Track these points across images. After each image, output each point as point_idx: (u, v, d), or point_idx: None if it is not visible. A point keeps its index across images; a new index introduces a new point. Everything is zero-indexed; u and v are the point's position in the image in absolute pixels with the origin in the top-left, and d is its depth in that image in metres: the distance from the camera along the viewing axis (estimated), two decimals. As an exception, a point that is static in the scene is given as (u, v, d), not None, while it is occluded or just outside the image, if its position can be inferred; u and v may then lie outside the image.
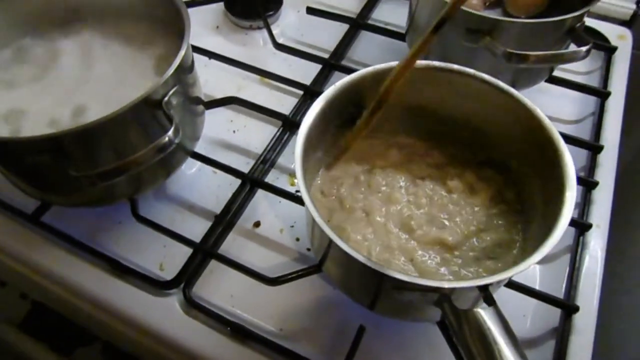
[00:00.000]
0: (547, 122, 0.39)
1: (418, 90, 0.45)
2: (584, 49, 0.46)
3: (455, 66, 0.42)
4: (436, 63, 0.43)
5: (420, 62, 0.43)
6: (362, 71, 0.42)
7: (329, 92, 0.41)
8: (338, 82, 0.41)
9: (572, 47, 0.50)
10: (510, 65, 0.48)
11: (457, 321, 0.31)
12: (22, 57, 0.49)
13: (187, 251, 0.48)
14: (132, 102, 0.37)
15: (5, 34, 0.49)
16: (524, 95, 0.57)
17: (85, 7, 0.50)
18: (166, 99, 0.40)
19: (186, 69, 0.44)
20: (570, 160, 0.36)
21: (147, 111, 0.40)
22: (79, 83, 0.47)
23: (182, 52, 0.41)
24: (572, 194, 0.34)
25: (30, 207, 0.50)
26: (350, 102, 0.43)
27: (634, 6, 0.68)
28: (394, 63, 0.42)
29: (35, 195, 0.47)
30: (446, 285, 0.32)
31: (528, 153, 0.41)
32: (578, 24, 0.49)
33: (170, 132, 0.38)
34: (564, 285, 0.47)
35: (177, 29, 0.45)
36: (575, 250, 0.48)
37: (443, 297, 0.33)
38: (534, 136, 0.39)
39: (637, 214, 0.73)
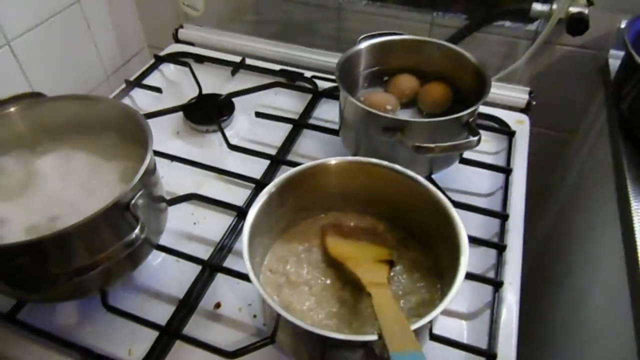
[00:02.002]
0: (443, 199, 0.48)
1: (347, 179, 0.54)
2: (475, 139, 0.57)
3: (374, 160, 0.52)
4: (360, 158, 0.53)
5: (347, 158, 0.53)
6: (298, 168, 0.52)
7: (270, 187, 0.50)
8: (277, 179, 0.50)
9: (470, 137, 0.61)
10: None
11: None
12: (2, 173, 0.56)
13: (154, 335, 0.53)
14: (103, 207, 0.45)
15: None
16: (442, 176, 0.68)
17: (57, 128, 0.58)
18: (133, 201, 0.48)
19: (149, 174, 0.53)
20: (463, 230, 0.45)
21: (117, 214, 0.47)
22: (53, 194, 0.54)
23: (145, 162, 0.49)
24: (465, 258, 0.43)
25: (4, 306, 0.55)
26: (291, 193, 0.52)
27: (527, 97, 0.82)
28: (322, 160, 0.52)
29: (13, 295, 0.52)
30: (369, 338, 0.38)
31: (438, 226, 0.50)
32: (471, 119, 0.60)
33: (137, 230, 0.45)
34: (487, 338, 0.54)
35: (139, 140, 0.54)
36: (493, 304, 0.56)
37: (370, 351, 0.40)
38: (439, 212, 0.48)
39: (547, 271, 0.83)
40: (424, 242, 0.54)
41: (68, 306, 0.56)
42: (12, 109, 0.56)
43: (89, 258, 0.44)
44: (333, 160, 0.51)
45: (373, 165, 0.51)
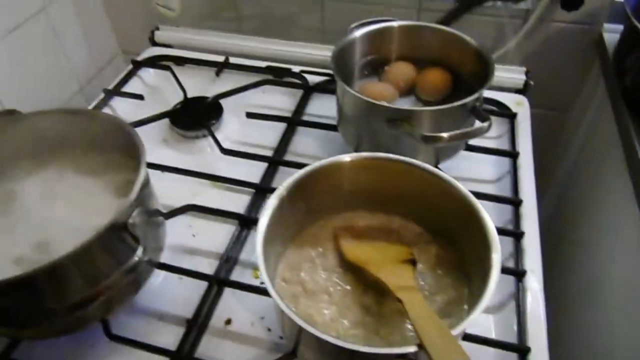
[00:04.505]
0: (465, 192, 0.45)
1: (359, 176, 0.50)
2: (486, 124, 0.55)
3: (382, 154, 0.49)
4: (376, 154, 0.49)
5: (362, 154, 0.49)
6: (309, 168, 0.48)
7: (281, 190, 0.46)
8: (286, 181, 0.47)
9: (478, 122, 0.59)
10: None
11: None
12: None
13: (164, 361, 0.50)
14: (99, 230, 0.40)
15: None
16: (448, 165, 0.65)
17: (40, 146, 0.54)
18: (130, 220, 0.44)
19: (145, 188, 0.48)
20: (492, 225, 0.42)
21: (114, 236, 0.43)
22: (41, 218, 0.50)
23: (140, 176, 0.45)
24: (497, 255, 0.40)
25: (-3, 346, 0.50)
26: (300, 195, 0.48)
27: (524, 77, 0.80)
28: (334, 158, 0.48)
29: (5, 334, 0.48)
30: (407, 350, 0.35)
31: (460, 220, 0.47)
32: (477, 103, 0.58)
33: (139, 252, 0.41)
34: (515, 330, 0.52)
35: (128, 152, 0.49)
36: (518, 295, 0.54)
37: (408, 361, 0.37)
38: (460, 205, 0.46)
39: (565, 257, 0.81)
40: (443, 236, 0.51)
41: (68, 340, 0.52)
42: (-16, 130, 0.51)
43: (89, 289, 0.40)
44: (347, 157, 0.48)
45: (390, 161, 0.48)
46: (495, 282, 0.38)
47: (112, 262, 0.43)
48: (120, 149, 0.52)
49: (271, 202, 0.45)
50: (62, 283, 0.41)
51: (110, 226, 0.42)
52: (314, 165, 0.48)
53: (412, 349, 0.35)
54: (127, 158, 0.52)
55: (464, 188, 0.46)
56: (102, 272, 0.42)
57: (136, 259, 0.41)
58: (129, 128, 0.50)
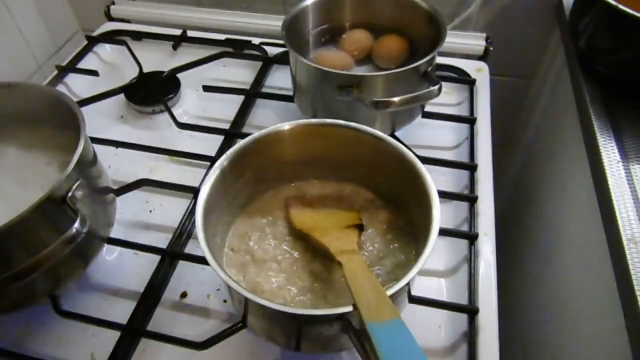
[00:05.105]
0: (408, 153, 0.45)
1: (305, 144, 0.50)
2: (435, 88, 0.54)
3: (330, 120, 0.48)
4: (314, 120, 0.49)
5: (301, 121, 0.49)
6: (250, 137, 0.47)
7: (222, 160, 0.46)
8: (229, 151, 0.46)
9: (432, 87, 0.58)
10: (382, 110, 0.55)
11: (359, 342, 0.35)
12: None
13: (117, 335, 0.49)
14: (35, 203, 0.40)
15: None
16: (407, 132, 0.65)
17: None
18: (70, 194, 0.43)
19: (88, 163, 0.48)
20: (432, 183, 0.42)
21: (52, 209, 0.42)
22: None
23: (79, 149, 0.44)
24: (437, 212, 0.40)
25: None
26: (246, 165, 0.48)
27: (484, 43, 0.80)
28: (274, 127, 0.48)
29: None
30: (343, 310, 0.36)
31: (406, 183, 0.47)
32: (429, 68, 0.57)
33: (77, 224, 0.40)
34: (467, 293, 0.52)
35: (74, 128, 0.48)
36: (471, 259, 0.54)
37: (347, 323, 0.37)
38: (405, 168, 0.45)
39: (519, 222, 0.82)
40: (394, 202, 0.51)
41: (19, 318, 0.51)
42: None
43: (27, 260, 0.39)
44: (287, 126, 0.47)
45: (330, 126, 0.48)
46: (435, 238, 0.38)
47: (52, 234, 0.42)
48: (63, 123, 0.50)
49: (212, 173, 0.44)
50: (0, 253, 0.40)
51: (47, 199, 0.41)
52: (255, 135, 0.47)
53: (347, 309, 0.35)
54: (73, 134, 0.51)
55: (408, 150, 0.45)
56: (41, 243, 0.41)
57: (74, 230, 0.40)
58: (69, 100, 0.48)
